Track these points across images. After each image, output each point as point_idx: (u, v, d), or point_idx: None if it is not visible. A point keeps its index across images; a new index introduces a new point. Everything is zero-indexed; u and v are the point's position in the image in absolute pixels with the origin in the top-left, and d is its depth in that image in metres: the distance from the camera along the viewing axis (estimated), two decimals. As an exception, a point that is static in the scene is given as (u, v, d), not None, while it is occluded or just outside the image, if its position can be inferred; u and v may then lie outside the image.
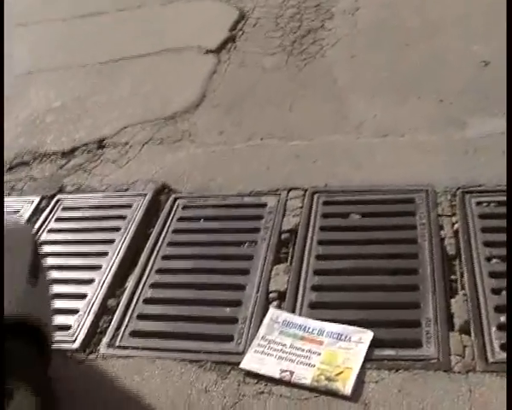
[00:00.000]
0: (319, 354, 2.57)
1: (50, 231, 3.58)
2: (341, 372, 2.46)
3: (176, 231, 3.36)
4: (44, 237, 3.53)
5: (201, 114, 4.29)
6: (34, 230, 3.35)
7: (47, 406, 2.33)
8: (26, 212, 3.74)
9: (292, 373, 2.50)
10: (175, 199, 3.57)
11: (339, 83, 4.34)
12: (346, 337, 2.60)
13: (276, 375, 2.52)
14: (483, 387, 2.32)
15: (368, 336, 2.58)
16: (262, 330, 2.70)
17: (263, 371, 2.54)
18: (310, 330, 2.67)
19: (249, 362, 2.58)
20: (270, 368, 2.54)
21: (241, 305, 2.85)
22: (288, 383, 2.48)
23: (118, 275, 3.18)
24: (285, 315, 2.75)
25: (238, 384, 2.53)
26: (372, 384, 2.42)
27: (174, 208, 3.50)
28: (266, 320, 2.74)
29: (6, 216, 2.45)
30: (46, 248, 3.30)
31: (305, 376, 2.49)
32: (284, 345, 2.63)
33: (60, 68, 5.28)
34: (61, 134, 4.39)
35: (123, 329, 2.89)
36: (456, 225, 3.01)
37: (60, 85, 5.00)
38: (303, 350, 2.60)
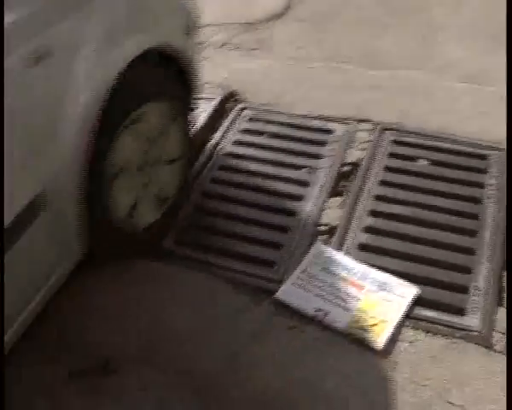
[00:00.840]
0: (358, 299, 2.46)
1: None
2: (376, 324, 2.35)
3: (236, 143, 3.25)
4: None
5: (283, 26, 4.11)
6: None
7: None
8: None
9: (326, 314, 2.41)
10: (242, 109, 3.46)
11: (432, 18, 4.07)
12: (388, 288, 2.49)
13: (310, 312, 2.43)
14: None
15: (411, 291, 2.47)
16: (304, 263, 2.61)
17: (297, 305, 2.46)
18: (353, 272, 2.56)
19: (285, 294, 2.51)
20: (305, 304, 2.46)
21: (288, 232, 2.76)
22: (321, 323, 2.39)
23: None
24: (330, 252, 2.64)
25: (270, 314, 2.46)
26: (406, 344, 2.32)
27: (239, 118, 3.39)
28: (311, 254, 2.64)
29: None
30: None
31: (339, 319, 2.39)
32: (324, 282, 2.53)
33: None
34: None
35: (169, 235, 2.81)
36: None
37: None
38: (342, 291, 2.49)
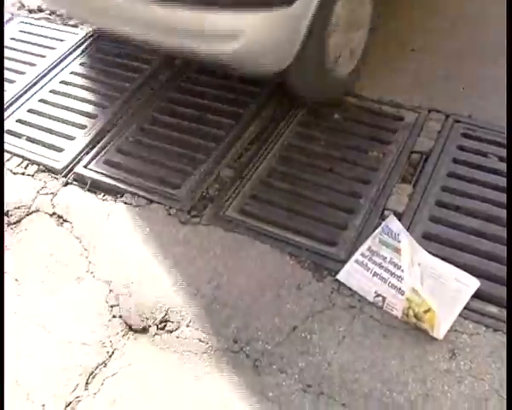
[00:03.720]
0: (416, 285, 2.40)
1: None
2: (433, 313, 2.30)
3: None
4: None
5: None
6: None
7: None
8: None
9: (384, 300, 2.41)
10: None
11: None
12: (448, 278, 2.46)
13: (370, 298, 2.44)
14: None
15: (472, 283, 2.44)
16: (369, 241, 2.60)
17: (357, 288, 2.48)
18: (416, 256, 2.52)
19: (346, 275, 2.52)
20: (365, 288, 2.47)
21: (353, 213, 2.76)
22: (380, 309, 2.41)
23: (236, 145, 3.15)
24: (396, 225, 2.61)
25: (331, 292, 2.49)
26: (465, 336, 2.31)
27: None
28: (377, 231, 2.63)
29: None
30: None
31: (395, 307, 2.38)
32: (384, 259, 2.51)
33: None
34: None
35: (230, 201, 2.87)
36: None
37: None
38: (401, 273, 2.45)
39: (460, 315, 2.37)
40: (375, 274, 2.48)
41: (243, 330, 2.39)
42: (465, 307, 2.39)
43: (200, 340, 2.38)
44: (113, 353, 2.39)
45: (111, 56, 3.81)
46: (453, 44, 3.64)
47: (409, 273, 2.44)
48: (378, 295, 2.42)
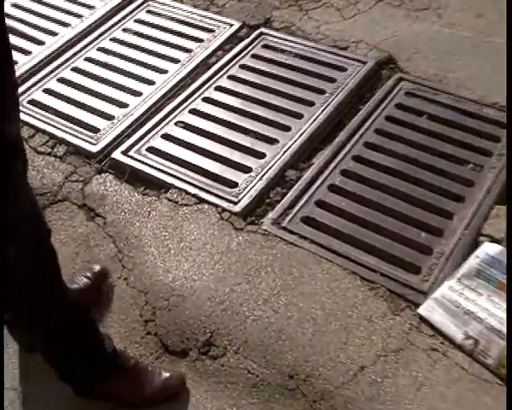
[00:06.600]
0: None
1: (243, 67, 3.67)
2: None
3: (390, 119, 3.29)
4: (234, 71, 3.63)
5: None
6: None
7: None
8: (220, 36, 3.85)
9: (477, 343, 2.42)
10: (399, 79, 3.49)
11: None
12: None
13: (458, 339, 2.45)
14: None
15: None
16: (460, 271, 2.60)
17: (443, 327, 2.49)
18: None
19: (429, 310, 2.53)
20: (453, 327, 2.48)
21: (442, 236, 2.78)
22: (470, 355, 2.42)
23: (306, 145, 3.20)
24: (498, 255, 2.60)
25: (409, 328, 2.50)
26: None
27: (395, 90, 3.43)
28: (472, 258, 2.64)
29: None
30: (234, 86, 3.49)
31: (490, 353, 2.39)
32: (479, 294, 2.53)
33: None
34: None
35: (295, 210, 2.92)
36: None
37: None
38: (499, 307, 2.47)
39: None
40: (468, 312, 2.49)
41: (301, 364, 2.41)
42: None
43: (248, 371, 2.41)
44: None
45: (165, 19, 3.94)
46: None
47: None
48: (469, 337, 2.43)
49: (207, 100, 3.48)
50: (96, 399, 2.32)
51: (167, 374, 2.37)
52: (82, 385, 2.32)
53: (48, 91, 3.56)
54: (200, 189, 3.03)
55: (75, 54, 3.79)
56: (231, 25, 3.93)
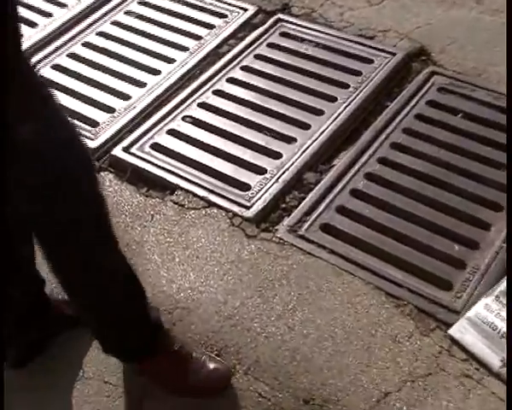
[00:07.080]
0: None
1: (258, 57, 3.59)
2: None
3: (420, 117, 3.19)
4: (249, 62, 3.56)
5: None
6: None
7: None
8: (233, 22, 3.78)
9: (515, 371, 2.32)
10: (432, 73, 3.38)
11: None
12: None
13: (495, 366, 2.34)
14: None
15: None
16: (497, 290, 2.50)
17: (476, 351, 2.38)
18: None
19: (462, 332, 2.42)
20: (489, 352, 2.37)
21: (478, 249, 2.68)
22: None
23: (327, 145, 3.11)
24: None
25: (439, 351, 2.41)
26: None
27: (427, 85, 3.32)
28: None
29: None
30: (248, 78, 3.45)
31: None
32: None
33: None
34: None
35: (314, 216, 2.84)
36: None
37: None
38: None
39: None
40: (504, 335, 2.39)
41: (318, 387, 2.34)
42: None
43: (260, 394, 2.35)
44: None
45: (172, 1, 3.94)
46: None
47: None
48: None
49: (218, 93, 3.41)
50: (140, 374, 2.36)
51: (214, 366, 2.38)
52: (126, 356, 2.36)
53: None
54: (209, 191, 2.96)
55: (72, 38, 3.74)
56: (245, 10, 3.85)
